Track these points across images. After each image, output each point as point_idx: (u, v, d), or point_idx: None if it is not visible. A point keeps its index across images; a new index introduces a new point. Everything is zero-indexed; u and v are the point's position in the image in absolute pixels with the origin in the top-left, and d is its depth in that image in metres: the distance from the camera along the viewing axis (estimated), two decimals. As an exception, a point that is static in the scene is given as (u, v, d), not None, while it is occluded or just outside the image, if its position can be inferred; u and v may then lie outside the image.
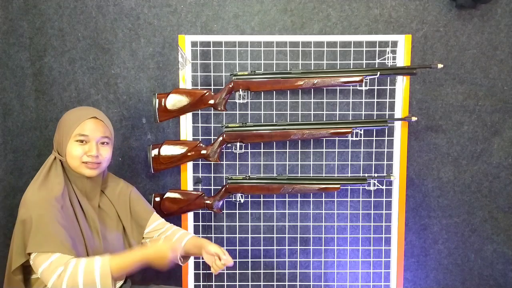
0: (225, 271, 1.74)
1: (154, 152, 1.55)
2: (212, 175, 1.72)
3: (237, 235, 1.73)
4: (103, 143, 1.24)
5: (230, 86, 1.54)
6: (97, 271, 1.05)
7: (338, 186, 1.57)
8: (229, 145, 1.59)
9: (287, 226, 1.75)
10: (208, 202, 1.58)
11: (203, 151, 1.56)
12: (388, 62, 1.60)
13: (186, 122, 1.57)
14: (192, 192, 1.58)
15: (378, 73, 1.52)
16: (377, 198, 1.71)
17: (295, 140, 1.67)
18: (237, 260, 1.74)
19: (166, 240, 1.33)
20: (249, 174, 1.71)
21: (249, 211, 1.73)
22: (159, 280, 1.75)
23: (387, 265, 1.70)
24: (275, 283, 1.77)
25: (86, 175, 1.22)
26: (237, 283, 1.75)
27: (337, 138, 1.69)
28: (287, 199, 1.74)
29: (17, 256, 1.12)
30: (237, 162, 1.71)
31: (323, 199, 1.73)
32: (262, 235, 1.75)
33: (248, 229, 1.74)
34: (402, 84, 1.57)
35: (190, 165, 1.59)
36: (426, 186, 1.76)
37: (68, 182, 1.22)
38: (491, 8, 1.67)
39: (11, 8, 1.64)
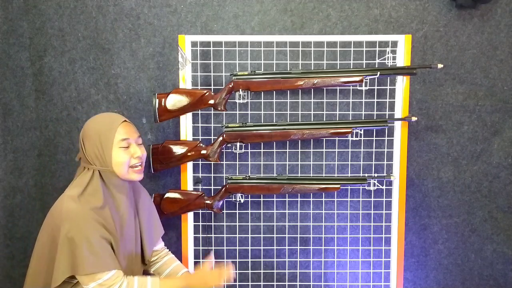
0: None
1: (154, 152, 1.55)
2: (212, 175, 1.72)
3: (237, 235, 1.73)
4: (139, 144, 1.25)
5: (230, 86, 1.54)
6: None
7: (338, 186, 1.57)
8: (229, 145, 1.59)
9: (287, 226, 1.75)
10: (208, 202, 1.58)
11: (203, 151, 1.56)
12: (388, 62, 1.60)
13: (186, 122, 1.57)
14: (192, 192, 1.58)
15: (378, 73, 1.52)
16: (377, 198, 1.71)
17: (295, 140, 1.67)
18: (237, 260, 1.74)
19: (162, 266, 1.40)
20: (249, 174, 1.71)
21: (249, 211, 1.73)
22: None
23: (387, 265, 1.70)
24: (275, 283, 1.77)
25: (135, 179, 1.23)
26: (237, 283, 1.75)
27: (337, 138, 1.69)
28: (287, 199, 1.74)
29: (62, 273, 1.11)
30: (237, 162, 1.71)
31: (323, 199, 1.73)
32: (262, 235, 1.75)
33: (248, 229, 1.74)
34: (402, 84, 1.57)
35: (190, 165, 1.59)
36: (426, 186, 1.76)
37: (108, 191, 1.21)
38: (491, 8, 1.67)
39: (11, 8, 1.64)
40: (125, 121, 1.23)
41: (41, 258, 1.18)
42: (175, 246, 1.70)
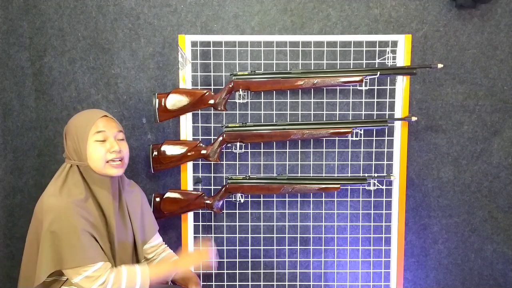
0: (225, 271, 1.74)
1: (154, 152, 1.55)
2: (212, 175, 1.72)
3: (237, 235, 1.73)
4: (120, 139, 1.23)
5: (230, 86, 1.54)
6: (138, 279, 1.15)
7: (338, 186, 1.57)
8: (229, 145, 1.59)
9: (287, 226, 1.75)
10: (208, 202, 1.58)
11: (203, 151, 1.56)
12: (388, 62, 1.60)
13: (186, 122, 1.57)
14: (192, 192, 1.58)
15: (378, 73, 1.52)
16: (377, 198, 1.71)
17: (295, 140, 1.67)
18: (237, 260, 1.74)
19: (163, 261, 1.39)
20: (249, 174, 1.71)
21: (249, 211, 1.73)
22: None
23: (387, 265, 1.70)
24: (275, 283, 1.77)
25: (113, 175, 1.19)
26: (237, 283, 1.75)
27: (337, 138, 1.69)
28: (287, 199, 1.74)
29: (47, 267, 1.10)
30: (237, 162, 1.71)
31: (323, 199, 1.73)
32: (262, 235, 1.75)
33: (248, 229, 1.74)
34: (402, 84, 1.57)
35: (190, 165, 1.59)
36: (426, 186, 1.76)
37: (88, 187, 1.19)
38: (491, 8, 1.67)
39: (11, 8, 1.64)
40: (106, 116, 1.22)
41: (30, 259, 1.16)
42: (175, 246, 1.69)
